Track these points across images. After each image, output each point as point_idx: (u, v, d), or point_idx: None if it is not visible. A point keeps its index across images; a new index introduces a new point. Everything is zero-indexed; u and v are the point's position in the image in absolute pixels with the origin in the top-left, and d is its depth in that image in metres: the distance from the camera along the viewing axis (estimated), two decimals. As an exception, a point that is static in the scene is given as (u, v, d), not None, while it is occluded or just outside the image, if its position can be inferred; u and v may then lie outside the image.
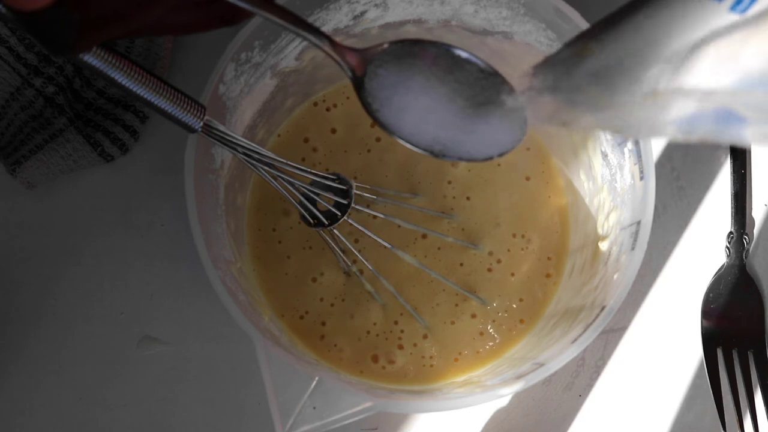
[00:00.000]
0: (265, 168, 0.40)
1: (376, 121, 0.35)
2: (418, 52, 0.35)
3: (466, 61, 0.35)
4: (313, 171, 0.42)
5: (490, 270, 0.48)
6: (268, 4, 0.33)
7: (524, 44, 0.45)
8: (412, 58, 0.35)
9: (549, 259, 0.48)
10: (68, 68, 0.49)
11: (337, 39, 0.46)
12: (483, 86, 0.36)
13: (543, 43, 0.44)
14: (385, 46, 0.35)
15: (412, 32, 0.46)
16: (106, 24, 0.30)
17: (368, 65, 0.35)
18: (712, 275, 0.50)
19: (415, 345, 0.47)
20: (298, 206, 0.42)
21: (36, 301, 0.49)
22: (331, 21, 0.44)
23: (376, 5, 0.44)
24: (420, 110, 0.35)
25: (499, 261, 0.48)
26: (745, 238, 0.50)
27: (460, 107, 0.35)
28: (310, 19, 0.43)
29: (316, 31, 0.35)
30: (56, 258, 0.50)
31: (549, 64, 0.32)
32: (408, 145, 0.36)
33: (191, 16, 0.33)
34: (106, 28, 0.30)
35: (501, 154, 0.36)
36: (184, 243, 0.47)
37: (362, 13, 0.44)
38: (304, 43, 0.45)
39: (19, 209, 0.50)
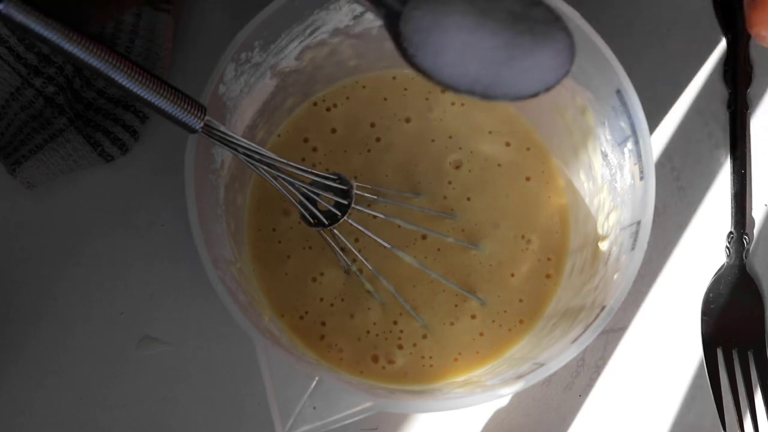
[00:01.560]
0: (266, 168, 0.40)
1: (413, 67, 0.34)
2: None
3: None
4: (313, 171, 0.42)
5: (490, 270, 0.48)
6: None
7: (524, 44, 0.44)
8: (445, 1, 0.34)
9: (549, 259, 0.48)
10: (68, 68, 0.49)
11: (336, 39, 0.46)
12: (524, 17, 0.34)
13: (543, 43, 0.44)
14: None
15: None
16: None
17: (403, 7, 0.34)
18: (712, 275, 0.50)
19: (414, 345, 0.47)
20: (299, 206, 0.42)
21: (36, 301, 0.49)
22: (331, 21, 0.44)
23: (376, 5, 0.44)
24: (458, 50, 0.34)
25: (499, 261, 0.48)
26: (745, 238, 0.50)
27: (500, 43, 0.34)
28: (310, 19, 0.43)
29: None
30: (56, 258, 0.50)
31: None
32: (449, 89, 0.34)
33: None
34: None
35: (548, 89, 0.35)
36: (184, 243, 0.47)
37: (362, 13, 0.44)
38: (304, 43, 0.45)
39: (19, 209, 0.50)
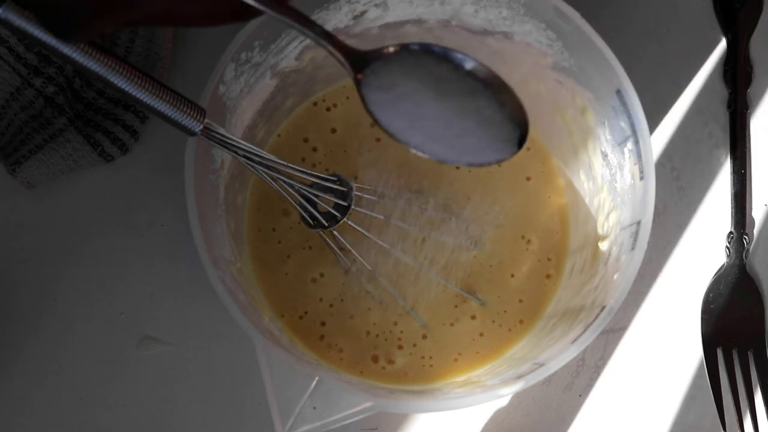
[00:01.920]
0: (266, 170, 0.40)
1: (374, 120, 0.36)
2: (420, 57, 0.35)
3: (470, 73, 0.35)
4: (314, 173, 0.42)
5: (490, 270, 0.48)
6: (275, 2, 0.33)
7: (524, 44, 0.45)
8: (413, 63, 0.35)
9: (549, 259, 0.48)
10: (68, 68, 0.49)
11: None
12: (486, 97, 0.36)
13: (543, 43, 0.44)
14: (390, 49, 0.35)
15: (412, 32, 0.46)
16: (113, 9, 0.30)
17: (370, 65, 0.35)
18: (712, 275, 0.50)
19: (414, 345, 0.47)
20: (298, 208, 0.42)
21: (36, 301, 0.49)
22: (331, 21, 0.44)
23: (376, 5, 0.44)
24: (419, 113, 0.36)
25: (499, 261, 0.48)
26: (745, 238, 0.50)
27: (461, 115, 0.36)
28: (310, 19, 0.43)
29: (323, 32, 0.35)
30: (56, 258, 0.50)
31: None
32: (411, 149, 0.36)
33: (204, 7, 0.33)
34: (114, 13, 0.30)
35: (500, 161, 0.37)
36: (184, 243, 0.47)
37: (362, 13, 0.44)
38: (304, 43, 0.45)
39: (19, 209, 0.50)
